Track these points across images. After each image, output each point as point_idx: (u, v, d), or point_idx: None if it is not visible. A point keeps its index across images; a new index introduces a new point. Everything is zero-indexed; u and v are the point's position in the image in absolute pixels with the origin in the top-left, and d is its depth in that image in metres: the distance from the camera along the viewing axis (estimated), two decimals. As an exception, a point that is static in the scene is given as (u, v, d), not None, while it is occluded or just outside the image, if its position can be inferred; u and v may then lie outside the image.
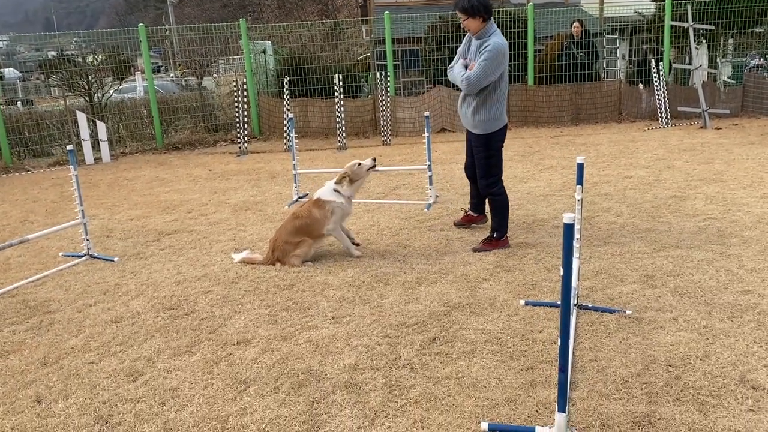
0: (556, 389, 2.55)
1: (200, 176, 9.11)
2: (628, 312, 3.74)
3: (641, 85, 12.30)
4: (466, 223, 5.66)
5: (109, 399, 3.12)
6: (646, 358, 3.20)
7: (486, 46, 4.73)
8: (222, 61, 14.92)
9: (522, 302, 3.96)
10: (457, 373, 3.16)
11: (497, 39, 4.77)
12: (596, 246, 4.94)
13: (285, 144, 11.20)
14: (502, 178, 5.10)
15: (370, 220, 6.15)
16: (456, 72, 4.95)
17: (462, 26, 4.92)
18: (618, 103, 12.40)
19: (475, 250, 5.01)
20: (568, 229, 2.34)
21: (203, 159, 10.74)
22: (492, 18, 4.90)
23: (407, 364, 3.28)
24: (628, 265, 4.53)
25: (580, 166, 3.49)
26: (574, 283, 3.26)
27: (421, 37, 13.42)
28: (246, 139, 11.10)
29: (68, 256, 5.53)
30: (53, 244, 5.98)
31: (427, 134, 6.53)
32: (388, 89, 11.58)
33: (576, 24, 12.14)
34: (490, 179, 5.02)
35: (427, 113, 6.58)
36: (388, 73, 11.75)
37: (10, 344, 3.84)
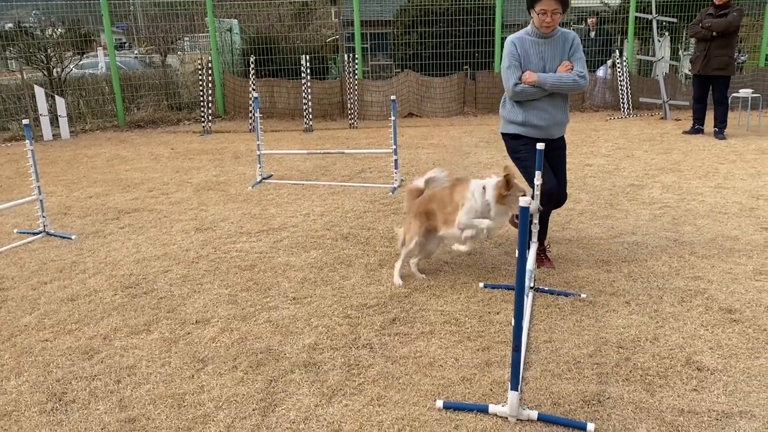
0: (510, 369, 2.61)
1: (162, 155, 8.95)
2: (583, 295, 3.83)
3: (600, 71, 12.56)
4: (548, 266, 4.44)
5: (63, 377, 3.08)
6: (598, 339, 3.30)
7: (573, 40, 4.14)
8: (187, 39, 14.62)
9: (481, 284, 4.02)
10: (415, 353, 3.20)
11: (564, 30, 4.20)
12: (555, 231, 5.04)
13: (250, 124, 11.08)
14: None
15: (334, 202, 6.15)
16: (553, 77, 4.03)
17: (545, 23, 4.03)
18: (582, 93, 12.58)
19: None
20: (524, 212, 2.39)
21: (166, 138, 10.55)
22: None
23: (366, 344, 3.31)
24: (585, 250, 4.64)
25: (540, 152, 3.55)
26: (530, 266, 3.33)
27: (390, 21, 13.38)
28: (210, 118, 10.94)
29: (23, 233, 5.40)
30: (8, 220, 5.83)
31: (393, 118, 6.53)
32: (356, 72, 11.52)
33: (592, 18, 12.66)
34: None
35: (393, 97, 6.58)
36: (356, 56, 11.69)
37: (-40, 321, 3.75)
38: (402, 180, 6.83)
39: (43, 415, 2.78)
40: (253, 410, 2.75)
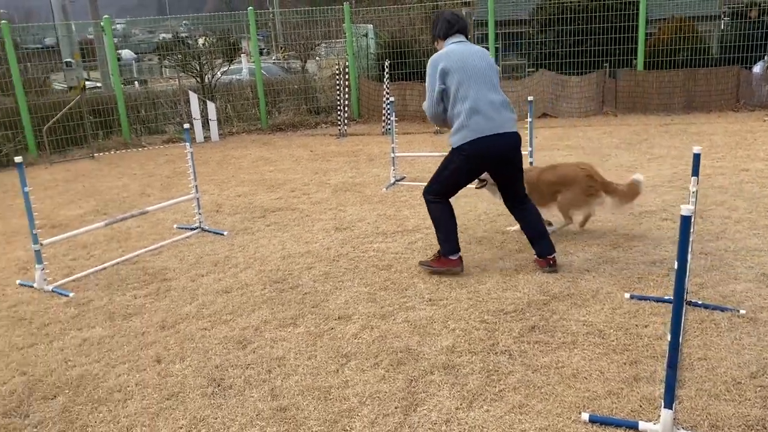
0: (662, 385, 2.48)
1: (302, 157, 9.40)
2: (742, 311, 3.54)
3: (757, 67, 11.48)
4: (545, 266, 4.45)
5: (221, 363, 3.33)
6: (761, 360, 3.04)
7: None
8: (324, 45, 15.23)
9: (627, 295, 3.84)
10: (557, 363, 3.13)
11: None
12: (708, 241, 4.70)
13: (383, 127, 11.32)
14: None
15: (467, 205, 6.14)
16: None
17: None
18: (736, 90, 11.61)
19: (421, 263, 4.54)
20: (686, 222, 2.26)
21: (305, 140, 11.06)
22: (444, 36, 4.38)
23: (505, 351, 3.28)
24: (743, 262, 4.28)
25: (697, 156, 3.33)
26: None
27: (524, 20, 13.11)
28: (346, 121, 11.32)
29: (182, 228, 5.89)
30: (168, 216, 6.39)
31: (529, 119, 6.41)
32: (489, 73, 11.39)
33: (753, 10, 11.80)
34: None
35: (531, 98, 6.45)
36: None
37: (132, 307, 4.17)
38: (537, 183, 6.67)
39: (205, 398, 3.02)
40: (396, 408, 2.82)
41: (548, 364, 3.13)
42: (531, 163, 6.55)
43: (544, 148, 8.70)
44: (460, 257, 4.41)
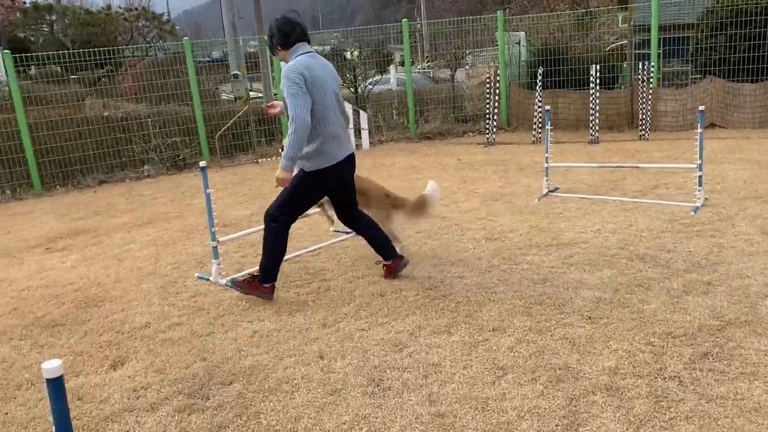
0: None
1: (450, 165, 9.46)
2: None
3: None
4: (391, 274, 4.74)
5: (379, 365, 3.45)
6: None
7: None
8: (474, 53, 15.24)
9: (817, 327, 3.46)
10: (734, 394, 2.89)
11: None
12: None
13: (534, 136, 11.10)
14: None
15: (627, 219, 5.85)
16: None
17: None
18: None
19: (233, 281, 4.28)
20: None
21: (452, 149, 11.13)
22: (284, 45, 4.23)
23: (675, 377, 3.09)
24: None
25: None
26: None
27: (688, 24, 12.25)
28: (494, 130, 11.24)
29: (337, 231, 6.17)
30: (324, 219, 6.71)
31: (699, 130, 5.98)
32: (651, 80, 10.78)
33: None
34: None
35: (702, 107, 6.02)
36: (652, 63, 10.94)
37: (296, 304, 4.43)
38: (706, 198, 6.21)
39: (366, 397, 3.15)
40: (556, 426, 2.76)
41: (725, 394, 2.90)
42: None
43: (713, 161, 8.06)
44: (273, 285, 4.44)
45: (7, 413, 3.29)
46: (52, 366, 1.75)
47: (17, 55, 10.49)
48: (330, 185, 4.44)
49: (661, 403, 2.88)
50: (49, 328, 4.37)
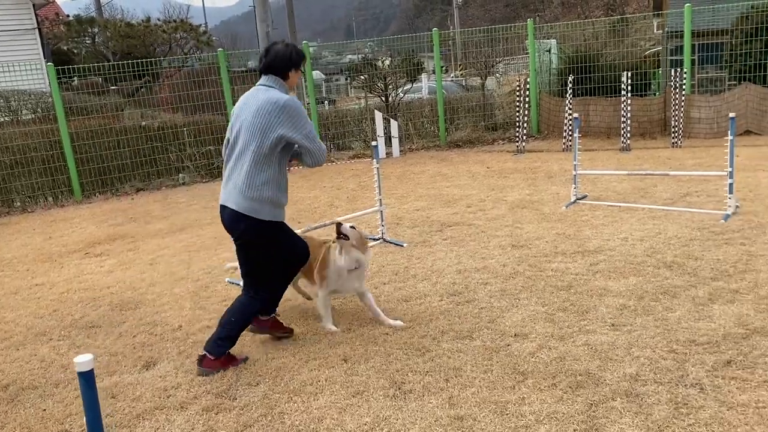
0: None
1: (479, 173, 9.49)
2: None
3: None
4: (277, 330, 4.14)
5: (401, 368, 3.52)
6: None
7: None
8: (506, 61, 15.25)
9: None
10: (756, 402, 2.88)
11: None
12: None
13: (563, 143, 11.06)
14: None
15: (655, 227, 5.81)
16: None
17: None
18: None
19: (201, 368, 3.70)
20: None
21: (481, 156, 11.15)
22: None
23: (696, 384, 3.09)
24: None
25: None
26: None
27: (723, 30, 12.07)
28: (524, 137, 11.23)
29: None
30: (353, 227, 6.82)
31: (731, 137, 5.91)
32: (683, 87, 10.65)
33: None
34: None
35: (732, 114, 5.95)
36: (685, 70, 10.81)
37: (322, 309, 4.52)
38: (737, 206, 6.12)
39: (387, 399, 3.22)
40: (574, 430, 2.79)
41: (746, 402, 2.89)
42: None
43: (747, 169, 7.94)
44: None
45: (45, 410, 3.45)
46: (83, 360, 1.88)
47: (60, 67, 10.90)
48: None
49: (680, 409, 2.88)
50: (86, 330, 4.56)
